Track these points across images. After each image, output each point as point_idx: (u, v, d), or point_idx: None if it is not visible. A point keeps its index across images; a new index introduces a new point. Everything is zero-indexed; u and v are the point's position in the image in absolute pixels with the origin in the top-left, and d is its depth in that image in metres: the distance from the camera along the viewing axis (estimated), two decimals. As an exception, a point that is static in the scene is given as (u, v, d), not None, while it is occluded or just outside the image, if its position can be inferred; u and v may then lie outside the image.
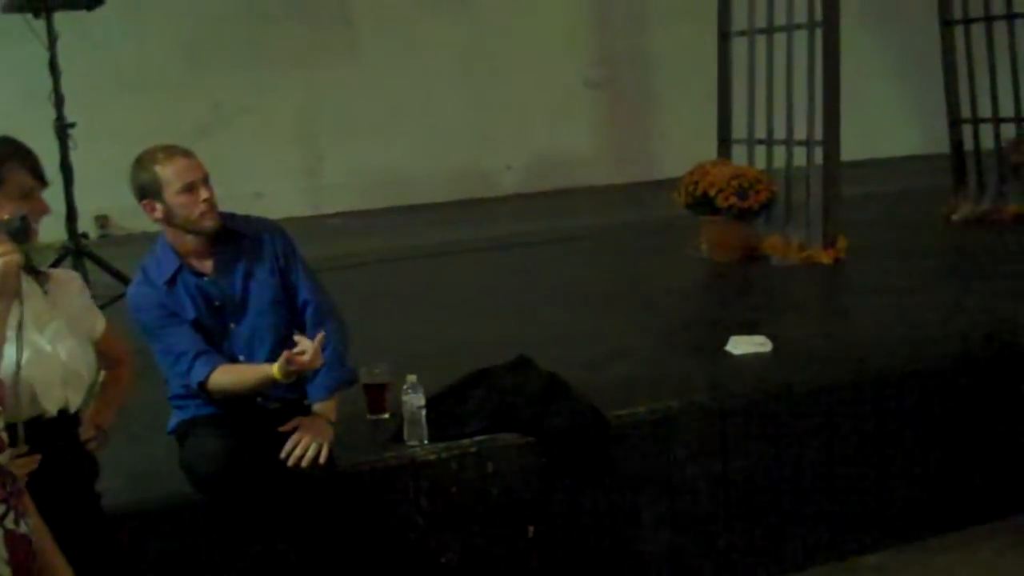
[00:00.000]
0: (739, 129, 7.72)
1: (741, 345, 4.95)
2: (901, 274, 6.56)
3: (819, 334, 5.31)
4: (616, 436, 4.14)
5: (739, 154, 7.70)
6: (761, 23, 7.42)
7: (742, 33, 7.58)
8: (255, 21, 10.32)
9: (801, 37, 7.14)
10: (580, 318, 5.96)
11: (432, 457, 3.89)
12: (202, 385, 3.42)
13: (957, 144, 8.50)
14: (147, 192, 3.43)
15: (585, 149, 11.71)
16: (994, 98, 8.22)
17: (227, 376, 3.44)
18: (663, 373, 4.71)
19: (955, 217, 8.23)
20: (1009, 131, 8.34)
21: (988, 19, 8.27)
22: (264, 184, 9.91)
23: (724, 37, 7.75)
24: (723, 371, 4.71)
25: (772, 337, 5.02)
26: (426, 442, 3.92)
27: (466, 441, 3.95)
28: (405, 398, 3.92)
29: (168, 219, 3.45)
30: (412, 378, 3.93)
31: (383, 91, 10.75)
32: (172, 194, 3.40)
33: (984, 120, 8.32)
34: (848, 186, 7.57)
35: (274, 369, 3.31)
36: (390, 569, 3.67)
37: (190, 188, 3.41)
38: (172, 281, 3.48)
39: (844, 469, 4.50)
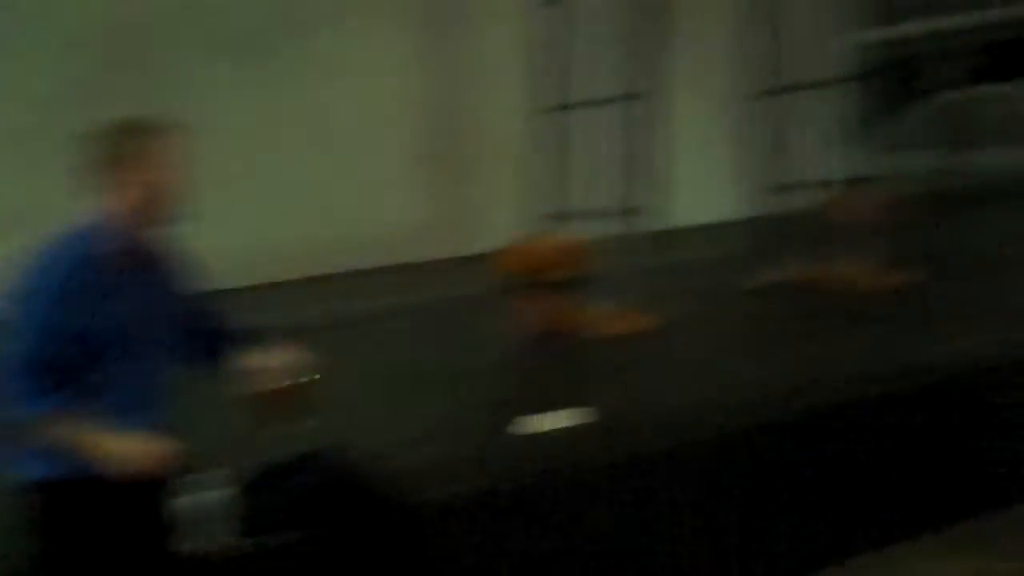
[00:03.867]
0: (560, 200, 7.76)
1: (554, 420, 4.88)
2: (712, 341, 6.63)
3: (633, 404, 5.27)
4: (417, 522, 4.00)
5: (560, 226, 7.72)
6: (578, 96, 7.51)
7: (562, 107, 7.65)
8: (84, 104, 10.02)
9: (616, 109, 7.23)
10: (391, 399, 5.82)
11: (234, 554, 3.68)
12: None
13: (767, 210, 8.71)
14: None
15: (414, 222, 11.66)
16: (801, 165, 8.44)
17: None
18: (470, 453, 4.59)
19: (762, 283, 8.38)
20: (816, 196, 8.58)
21: (795, 89, 8.51)
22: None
23: (541, 110, 7.80)
24: (533, 447, 4.61)
25: (586, 409, 4.97)
26: (228, 538, 3.71)
27: (248, 542, 3.76)
28: (190, 496, 3.71)
29: None
30: (217, 472, 3.73)
31: (216, 166, 10.46)
32: None
33: (793, 186, 8.53)
34: (663, 254, 7.66)
35: None
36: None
37: None
38: None
39: (658, 539, 4.45)
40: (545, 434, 4.79)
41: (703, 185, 12.21)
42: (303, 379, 3.77)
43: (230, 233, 10.38)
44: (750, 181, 8.92)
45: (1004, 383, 5.32)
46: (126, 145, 3.21)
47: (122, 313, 3.14)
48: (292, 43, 11.02)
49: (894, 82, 19.35)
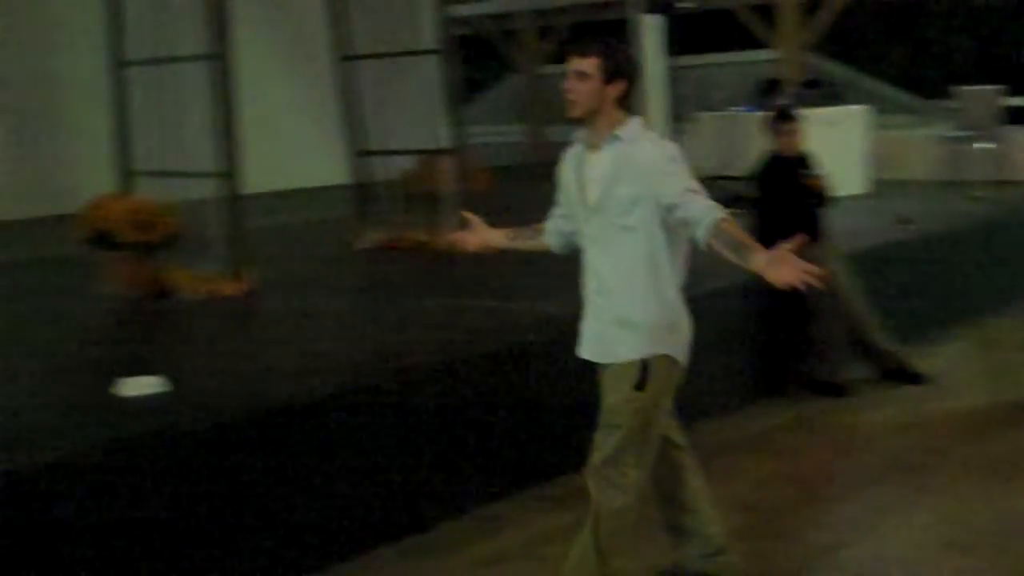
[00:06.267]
0: (149, 159, 7.48)
1: (132, 387, 4.73)
2: (309, 304, 6.66)
3: (219, 370, 5.22)
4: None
5: (148, 185, 7.47)
6: (161, 52, 7.26)
7: (137, 63, 7.37)
8: None
9: (198, 68, 7.05)
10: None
11: None
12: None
13: (360, 175, 8.82)
14: None
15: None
16: (391, 131, 8.59)
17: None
18: (50, 423, 4.39)
19: (360, 246, 8.52)
20: (406, 162, 8.78)
21: (387, 56, 8.63)
22: None
23: (119, 65, 7.49)
24: (112, 415, 4.46)
25: (169, 374, 4.86)
26: None
27: None
28: None
29: None
30: None
31: None
32: None
33: (383, 152, 8.67)
34: (258, 218, 7.60)
35: None
36: None
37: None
38: None
39: (243, 506, 4.43)
40: (122, 400, 4.65)
41: (294, 148, 12.20)
42: None
43: None
44: (343, 146, 9.00)
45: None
46: None
47: None
48: None
49: (484, 56, 20.07)
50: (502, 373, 5.32)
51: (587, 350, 3.94)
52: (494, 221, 4.34)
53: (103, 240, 6.73)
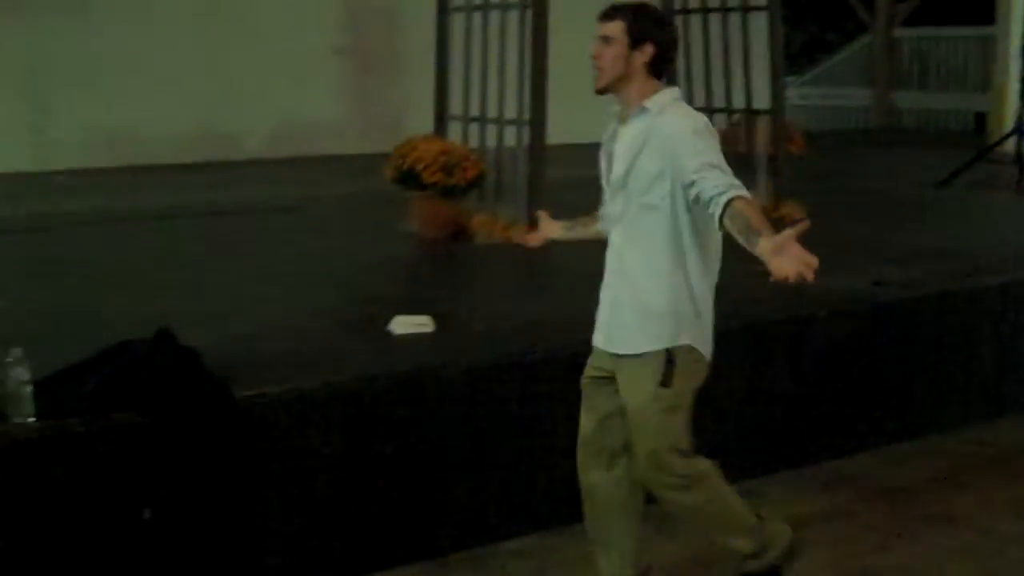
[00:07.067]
0: (464, 104, 7.66)
1: (403, 325, 4.89)
2: (598, 257, 6.61)
3: (492, 314, 5.30)
4: (249, 415, 4.02)
5: (461, 129, 7.66)
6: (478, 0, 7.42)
7: (459, 9, 7.55)
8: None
9: (514, 16, 7.13)
10: (258, 291, 5.81)
11: (34, 436, 3.69)
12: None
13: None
14: None
15: (330, 116, 11.55)
16: (714, 89, 8.39)
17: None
18: (316, 351, 4.60)
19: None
20: (725, 122, 8.56)
21: (716, 11, 8.44)
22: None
23: (443, 11, 7.70)
24: (376, 351, 4.63)
25: (445, 316, 4.98)
26: (31, 420, 3.72)
27: (74, 420, 3.76)
28: (9, 372, 3.71)
29: None
30: (16, 352, 3.72)
31: (116, 44, 10.38)
32: None
33: (699, 110, 8.48)
34: (564, 168, 7.60)
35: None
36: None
37: None
38: None
39: (488, 453, 4.50)
40: (400, 336, 4.81)
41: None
42: None
43: (133, 114, 10.32)
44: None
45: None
46: None
47: None
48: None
49: (838, 15, 19.26)
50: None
51: (602, 339, 3.66)
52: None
53: (409, 179, 6.97)
